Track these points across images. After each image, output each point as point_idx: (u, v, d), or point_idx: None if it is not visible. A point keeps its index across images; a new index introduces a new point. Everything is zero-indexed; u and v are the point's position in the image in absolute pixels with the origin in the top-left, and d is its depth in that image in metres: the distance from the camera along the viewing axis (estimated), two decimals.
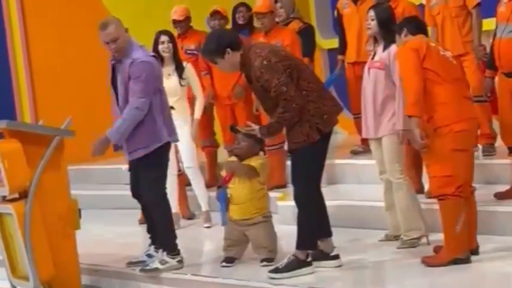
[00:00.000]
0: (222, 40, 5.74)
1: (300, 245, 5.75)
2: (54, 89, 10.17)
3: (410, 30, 5.81)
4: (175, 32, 8.25)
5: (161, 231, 6.24)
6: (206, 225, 7.66)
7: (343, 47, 8.43)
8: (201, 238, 7.49)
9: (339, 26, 8.55)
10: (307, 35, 8.60)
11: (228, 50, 5.71)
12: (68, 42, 10.25)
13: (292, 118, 5.60)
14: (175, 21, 8.57)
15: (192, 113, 7.72)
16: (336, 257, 5.87)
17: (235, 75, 7.61)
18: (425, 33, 5.90)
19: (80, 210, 6.02)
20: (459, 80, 5.65)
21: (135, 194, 6.35)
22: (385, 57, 6.19)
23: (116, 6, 10.26)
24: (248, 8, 8.52)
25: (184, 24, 8.57)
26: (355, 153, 8.31)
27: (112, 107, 6.37)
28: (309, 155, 5.66)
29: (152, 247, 6.43)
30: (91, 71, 9.93)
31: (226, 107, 8.33)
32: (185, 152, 7.67)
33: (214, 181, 8.05)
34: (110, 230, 8.08)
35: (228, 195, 6.10)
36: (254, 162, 6.09)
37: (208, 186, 8.03)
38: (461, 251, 5.57)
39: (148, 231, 6.47)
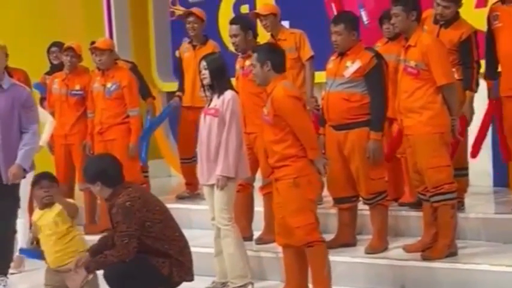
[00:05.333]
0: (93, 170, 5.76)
1: None
2: None
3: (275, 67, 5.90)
4: None
5: None
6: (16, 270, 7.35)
7: (182, 86, 8.55)
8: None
9: (178, 69, 8.67)
10: (139, 74, 8.57)
11: (98, 183, 5.68)
12: None
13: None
14: None
15: None
16: None
17: (75, 115, 7.46)
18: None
19: None
20: None
21: None
22: (220, 105, 6.24)
23: None
24: (61, 46, 8.44)
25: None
26: (180, 198, 8.33)
27: None
28: None
29: None
30: None
31: (62, 146, 8.19)
32: None
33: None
34: None
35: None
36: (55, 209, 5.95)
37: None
38: None
39: None
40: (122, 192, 5.64)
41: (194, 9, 8.55)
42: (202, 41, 8.43)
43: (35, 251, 6.07)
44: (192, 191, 8.54)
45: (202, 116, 6.42)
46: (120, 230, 5.54)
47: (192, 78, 8.33)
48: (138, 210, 5.58)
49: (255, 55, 5.94)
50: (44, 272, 6.08)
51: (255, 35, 7.10)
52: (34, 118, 6.70)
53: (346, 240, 6.66)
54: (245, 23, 7.09)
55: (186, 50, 8.53)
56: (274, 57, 5.90)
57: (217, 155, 6.22)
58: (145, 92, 8.61)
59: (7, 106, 6.55)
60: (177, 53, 8.83)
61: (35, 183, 6.00)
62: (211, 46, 8.31)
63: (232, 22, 7.16)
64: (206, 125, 6.30)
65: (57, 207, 5.95)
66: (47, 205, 5.98)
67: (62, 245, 5.93)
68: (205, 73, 6.30)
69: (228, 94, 6.26)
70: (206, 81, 6.34)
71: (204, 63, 6.34)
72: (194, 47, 8.44)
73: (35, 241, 6.09)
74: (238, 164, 6.25)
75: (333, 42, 6.45)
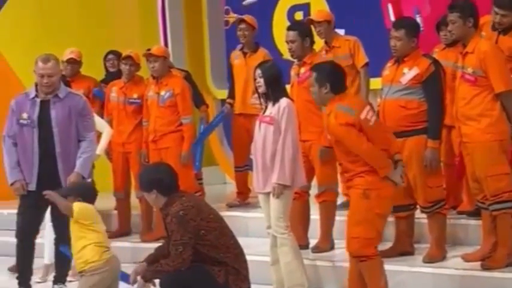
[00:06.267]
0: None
1: None
2: None
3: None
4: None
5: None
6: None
7: (232, 93, 8.56)
8: None
9: (229, 75, 8.69)
10: (193, 83, 8.61)
11: (154, 191, 5.70)
12: None
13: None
14: (70, 61, 8.45)
15: None
16: None
17: (132, 123, 7.61)
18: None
19: None
20: None
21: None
22: (275, 112, 6.23)
23: (7, 43, 10.06)
24: (118, 55, 8.54)
25: (77, 66, 8.46)
26: (231, 206, 8.36)
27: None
28: None
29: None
30: None
31: (120, 154, 8.26)
32: None
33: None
34: None
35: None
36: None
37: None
38: None
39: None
40: (175, 201, 5.65)
41: (246, 17, 8.56)
42: (254, 48, 8.43)
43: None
44: (242, 200, 8.54)
45: (257, 123, 6.41)
46: (175, 239, 5.55)
47: (243, 85, 8.36)
48: (192, 219, 5.58)
49: (314, 74, 5.86)
50: None
51: (312, 43, 7.07)
52: (91, 126, 6.78)
53: (404, 249, 6.59)
54: (303, 30, 7.07)
55: (236, 58, 8.55)
56: (333, 78, 5.79)
57: (272, 163, 6.21)
58: (198, 100, 8.64)
59: (64, 115, 6.64)
60: (229, 60, 8.83)
61: (65, 196, 6.00)
62: (262, 53, 8.32)
63: (290, 28, 7.14)
64: (261, 133, 6.30)
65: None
66: None
67: (76, 252, 5.93)
68: (260, 81, 6.29)
69: (284, 102, 6.25)
70: (261, 89, 6.33)
71: (259, 71, 6.33)
72: (245, 54, 8.45)
73: None
74: (294, 172, 6.23)
75: (391, 47, 6.39)
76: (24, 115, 6.66)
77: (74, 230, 5.93)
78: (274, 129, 6.21)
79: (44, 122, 6.63)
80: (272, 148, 6.21)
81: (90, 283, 5.87)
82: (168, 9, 10.41)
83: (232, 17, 10.17)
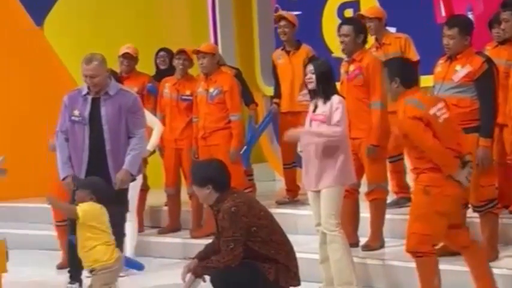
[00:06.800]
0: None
1: None
2: None
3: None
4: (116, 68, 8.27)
5: None
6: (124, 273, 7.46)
7: (278, 92, 8.55)
8: None
9: (273, 75, 8.68)
10: (243, 81, 8.63)
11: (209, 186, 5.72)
12: (7, 79, 10.09)
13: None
14: (126, 56, 8.50)
15: None
16: None
17: (184, 119, 7.66)
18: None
19: (7, 253, 5.85)
20: None
21: None
22: (327, 110, 6.21)
23: (59, 42, 10.18)
24: (170, 52, 8.58)
25: (133, 62, 8.53)
26: (280, 203, 8.34)
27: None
28: None
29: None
30: (27, 109, 9.80)
31: (172, 150, 8.29)
32: None
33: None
34: (40, 273, 7.89)
35: None
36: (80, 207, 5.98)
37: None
38: None
39: None
40: (227, 198, 5.67)
41: (285, 14, 8.53)
42: (296, 45, 8.40)
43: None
44: (292, 197, 8.53)
45: (307, 121, 6.39)
46: (226, 235, 5.57)
47: (289, 83, 8.36)
48: (243, 215, 5.60)
49: (385, 69, 5.85)
50: None
51: (365, 41, 7.03)
52: (141, 123, 6.81)
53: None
54: (358, 26, 7.03)
55: (279, 57, 8.52)
56: (403, 72, 5.76)
57: (324, 161, 6.19)
58: (248, 98, 8.65)
59: (114, 112, 6.68)
60: (271, 61, 8.75)
61: (77, 188, 6.09)
62: (305, 50, 8.30)
63: (345, 22, 7.11)
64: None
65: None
66: None
67: (85, 250, 5.99)
68: (312, 77, 6.26)
69: (336, 98, 6.24)
70: (311, 86, 6.30)
71: (311, 67, 6.30)
72: (288, 52, 8.43)
73: None
74: (345, 170, 6.20)
75: (444, 45, 6.32)
76: (76, 112, 6.73)
77: (81, 230, 5.98)
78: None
79: (94, 119, 6.69)
80: (323, 146, 6.19)
81: (102, 281, 5.96)
82: (218, 6, 10.43)
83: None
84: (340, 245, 6.24)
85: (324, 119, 6.22)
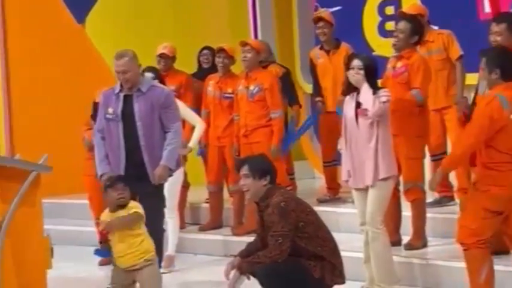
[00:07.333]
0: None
1: None
2: (31, 122, 10.10)
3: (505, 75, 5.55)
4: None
5: None
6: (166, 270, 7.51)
7: (318, 91, 8.52)
8: None
9: (312, 74, 8.64)
10: (290, 81, 8.62)
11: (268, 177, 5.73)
12: (49, 76, 10.20)
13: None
14: (162, 56, 8.54)
15: None
16: None
17: (227, 117, 7.77)
18: None
19: (52, 249, 5.90)
20: None
21: None
22: (372, 105, 6.15)
23: (100, 39, 10.25)
24: (213, 51, 8.60)
25: (170, 61, 8.55)
26: (321, 201, 8.31)
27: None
28: None
29: None
30: (69, 106, 9.88)
31: (215, 148, 8.32)
32: (165, 190, 7.56)
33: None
34: (82, 269, 7.96)
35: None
36: (135, 209, 6.02)
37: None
38: None
39: None
40: (275, 193, 5.66)
41: (323, 14, 8.48)
42: (335, 44, 8.37)
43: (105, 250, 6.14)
44: (333, 195, 8.51)
45: (353, 117, 6.28)
46: (275, 229, 5.55)
47: (331, 83, 8.34)
48: (292, 210, 5.58)
49: (483, 60, 5.61)
50: (111, 272, 6.18)
51: (419, 41, 6.99)
52: (175, 117, 6.83)
53: (500, 247, 6.43)
54: (415, 26, 6.95)
55: (318, 56, 8.49)
56: (505, 63, 5.54)
57: (372, 157, 6.16)
58: (293, 99, 8.63)
59: (147, 108, 6.72)
60: (309, 60, 8.73)
61: (109, 185, 6.06)
62: (344, 48, 8.26)
63: (404, 19, 7.03)
64: (360, 127, 6.21)
65: (131, 209, 6.01)
66: (120, 207, 6.03)
67: (135, 246, 6.01)
68: (360, 72, 6.19)
69: (383, 92, 6.20)
70: (357, 81, 6.19)
71: (359, 62, 6.22)
72: (327, 52, 8.41)
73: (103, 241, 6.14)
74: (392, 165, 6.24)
75: (491, 42, 6.22)
76: (110, 110, 6.79)
77: (127, 230, 6.02)
78: (370, 123, 6.16)
79: (128, 116, 6.74)
80: (372, 142, 6.16)
81: (158, 269, 6.09)
82: (258, 3, 10.43)
83: (322, 12, 10.13)
84: (381, 242, 6.22)
85: (367, 114, 6.16)
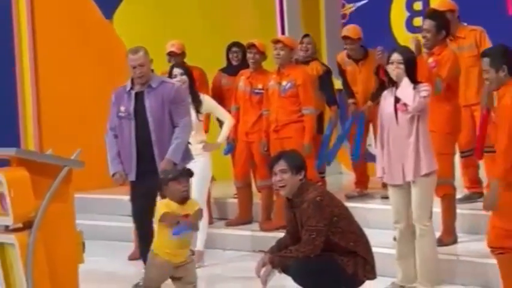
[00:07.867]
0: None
1: None
2: (60, 118, 10.16)
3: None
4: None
5: None
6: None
7: (350, 93, 8.50)
8: None
9: (342, 78, 8.62)
10: (330, 80, 8.61)
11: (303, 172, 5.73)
12: (78, 71, 10.26)
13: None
14: (171, 54, 8.63)
15: None
16: None
17: (256, 113, 7.79)
18: None
19: (83, 244, 5.94)
20: None
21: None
22: (412, 100, 6.08)
23: (128, 35, 10.29)
24: (242, 48, 8.64)
25: (179, 58, 8.61)
26: (350, 197, 8.29)
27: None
28: None
29: None
30: (98, 101, 9.91)
31: (243, 143, 8.34)
32: (194, 186, 7.59)
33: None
34: (112, 264, 8.01)
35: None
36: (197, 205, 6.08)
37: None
38: None
39: None
40: (309, 188, 5.67)
41: (348, 32, 8.38)
42: (362, 54, 8.35)
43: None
44: (361, 190, 8.50)
45: (392, 113, 6.23)
46: (309, 224, 5.54)
47: (362, 90, 8.36)
48: (327, 205, 5.59)
49: (486, 60, 5.58)
50: (150, 268, 6.13)
51: (447, 36, 6.96)
52: (184, 112, 6.88)
53: None
54: (440, 22, 6.92)
55: (347, 64, 8.47)
56: (510, 60, 5.53)
57: (413, 152, 6.12)
58: (331, 99, 8.59)
59: (157, 104, 6.78)
60: (337, 64, 8.71)
61: (173, 178, 6.06)
62: (373, 57, 8.04)
63: (427, 17, 7.01)
64: (399, 122, 6.16)
65: (191, 206, 6.04)
66: (181, 201, 6.06)
67: (187, 242, 6.07)
68: (400, 67, 6.13)
69: (423, 87, 6.15)
70: (398, 76, 6.12)
71: (399, 57, 6.14)
72: (356, 61, 8.40)
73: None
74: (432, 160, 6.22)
75: None
76: (122, 108, 6.85)
77: None
78: (410, 118, 6.13)
79: (139, 113, 6.79)
80: (413, 137, 6.13)
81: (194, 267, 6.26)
82: (285, 1, 10.41)
83: (349, 7, 10.12)
84: (429, 239, 6.19)
85: (406, 109, 6.12)
